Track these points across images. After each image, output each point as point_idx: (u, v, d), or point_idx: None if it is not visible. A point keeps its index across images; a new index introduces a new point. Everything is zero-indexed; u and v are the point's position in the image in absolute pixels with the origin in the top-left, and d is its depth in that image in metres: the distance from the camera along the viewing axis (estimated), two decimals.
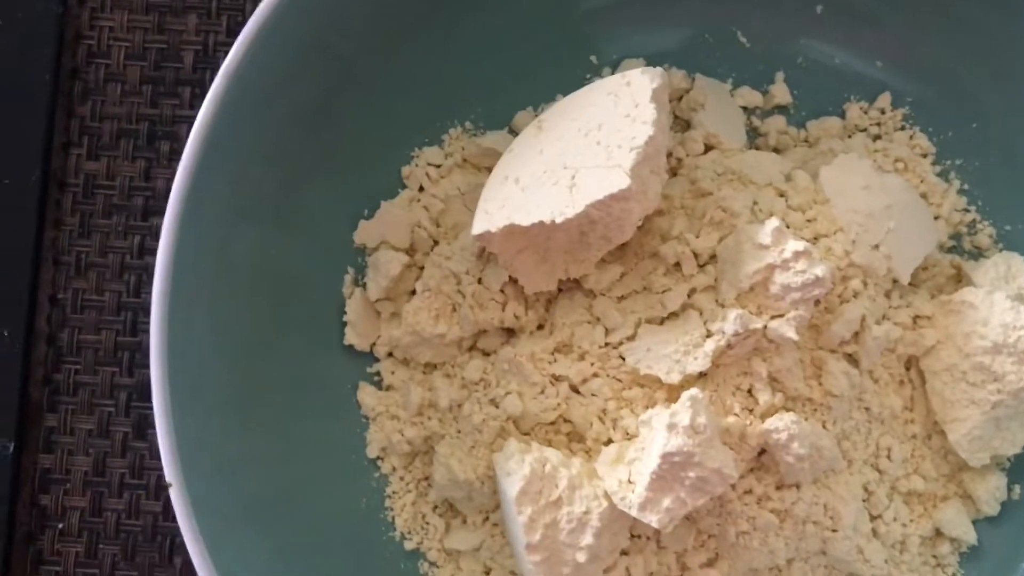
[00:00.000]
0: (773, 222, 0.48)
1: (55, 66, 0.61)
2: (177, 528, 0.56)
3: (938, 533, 0.54)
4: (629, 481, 0.47)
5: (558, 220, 0.46)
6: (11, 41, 0.61)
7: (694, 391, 0.47)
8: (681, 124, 0.57)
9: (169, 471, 0.48)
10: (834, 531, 0.51)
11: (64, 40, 0.62)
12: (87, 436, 0.60)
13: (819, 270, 0.47)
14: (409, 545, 0.54)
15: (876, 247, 0.52)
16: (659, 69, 0.49)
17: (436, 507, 0.55)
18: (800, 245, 0.47)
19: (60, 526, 0.59)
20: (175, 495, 0.48)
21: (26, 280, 0.60)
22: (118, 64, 0.62)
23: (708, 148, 0.56)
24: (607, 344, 0.51)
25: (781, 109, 0.58)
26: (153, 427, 0.48)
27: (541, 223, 0.46)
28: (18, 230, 0.60)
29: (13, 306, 0.59)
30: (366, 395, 0.55)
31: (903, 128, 0.58)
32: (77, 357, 0.60)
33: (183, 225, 0.49)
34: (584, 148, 0.47)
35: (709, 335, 0.48)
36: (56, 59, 0.61)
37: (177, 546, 0.58)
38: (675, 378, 0.48)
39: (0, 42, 0.61)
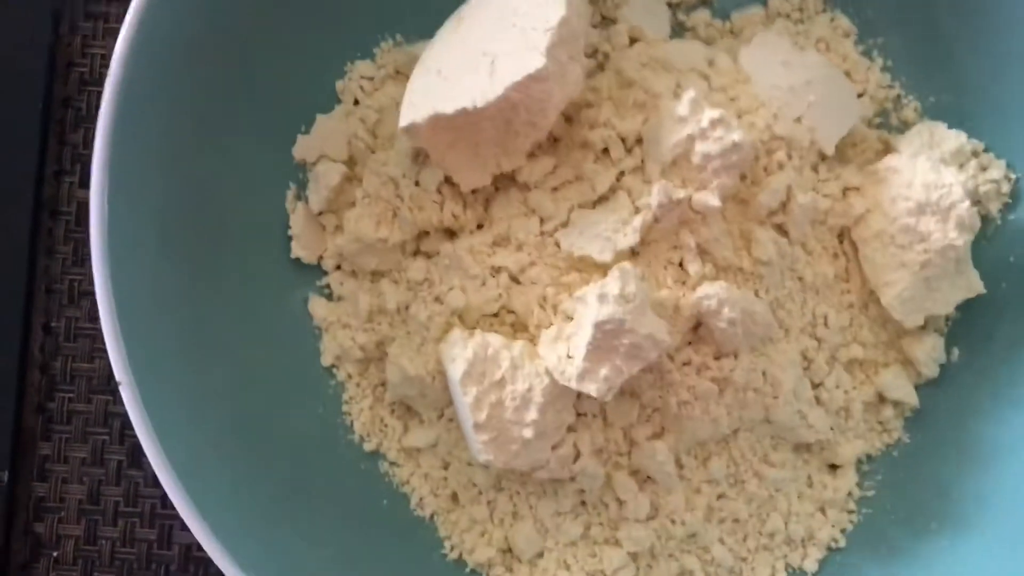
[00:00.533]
0: (690, 93, 0.49)
1: (46, 94, 0.62)
2: (172, 556, 0.58)
3: (881, 398, 0.56)
4: (568, 356, 0.49)
5: (479, 104, 0.47)
6: (3, 69, 0.62)
7: (624, 264, 0.48)
8: (606, 22, 0.58)
9: (126, 389, 0.49)
10: (775, 397, 0.52)
11: (56, 68, 0.62)
12: (81, 464, 0.61)
13: (736, 135, 0.48)
14: (368, 447, 0.56)
15: (799, 120, 0.53)
16: None
17: (393, 409, 0.56)
18: (716, 113, 0.48)
19: (55, 554, 0.60)
20: (136, 420, 0.48)
21: (19, 308, 0.61)
22: None
23: (633, 41, 0.57)
24: (542, 233, 0.52)
25: (705, 3, 0.59)
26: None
27: (464, 110, 0.48)
28: (11, 258, 0.61)
29: (7, 334, 0.60)
30: (317, 306, 0.56)
31: (824, 11, 0.59)
32: (71, 385, 0.61)
33: (115, 149, 0.49)
34: (502, 34, 0.49)
35: (637, 211, 0.50)
36: (48, 87, 0.62)
37: (172, 574, 0.60)
38: (607, 256, 0.50)
39: None
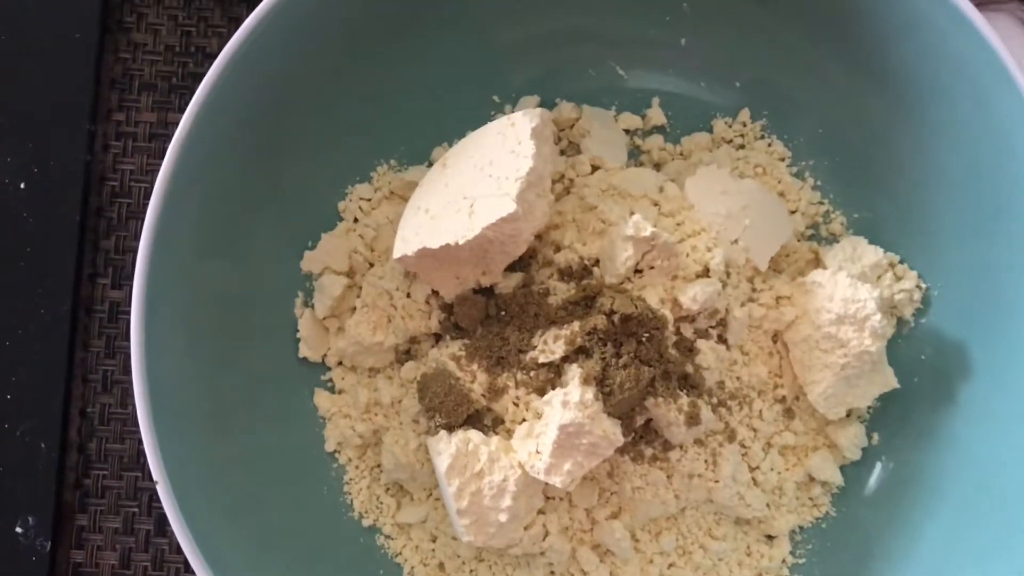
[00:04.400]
0: (634, 217, 0.58)
1: (83, 206, 0.70)
2: None
3: (811, 478, 0.64)
4: (537, 451, 0.57)
5: (460, 242, 0.56)
6: (45, 187, 0.70)
7: (583, 373, 0.56)
8: (573, 148, 0.67)
9: (156, 474, 0.57)
10: (716, 482, 0.61)
11: (91, 182, 0.70)
12: (113, 534, 0.69)
13: (666, 238, 0.57)
14: (366, 522, 0.64)
15: (735, 242, 0.62)
16: (539, 110, 0.59)
17: (388, 489, 0.64)
18: (652, 229, 0.57)
19: None
20: (163, 493, 0.56)
21: (59, 397, 0.69)
22: (138, 203, 0.71)
23: (595, 168, 0.65)
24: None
25: (659, 129, 0.68)
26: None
27: (447, 245, 0.56)
28: (52, 353, 0.69)
29: (49, 420, 0.68)
30: (321, 399, 0.65)
31: (762, 137, 0.67)
32: (104, 464, 0.69)
33: (154, 262, 0.57)
34: (479, 180, 0.57)
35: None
36: (84, 200, 0.70)
37: None
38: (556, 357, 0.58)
39: (36, 188, 0.70)
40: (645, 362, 0.57)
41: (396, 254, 0.59)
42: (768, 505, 0.63)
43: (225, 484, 0.60)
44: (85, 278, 0.71)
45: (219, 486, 0.59)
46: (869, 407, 0.65)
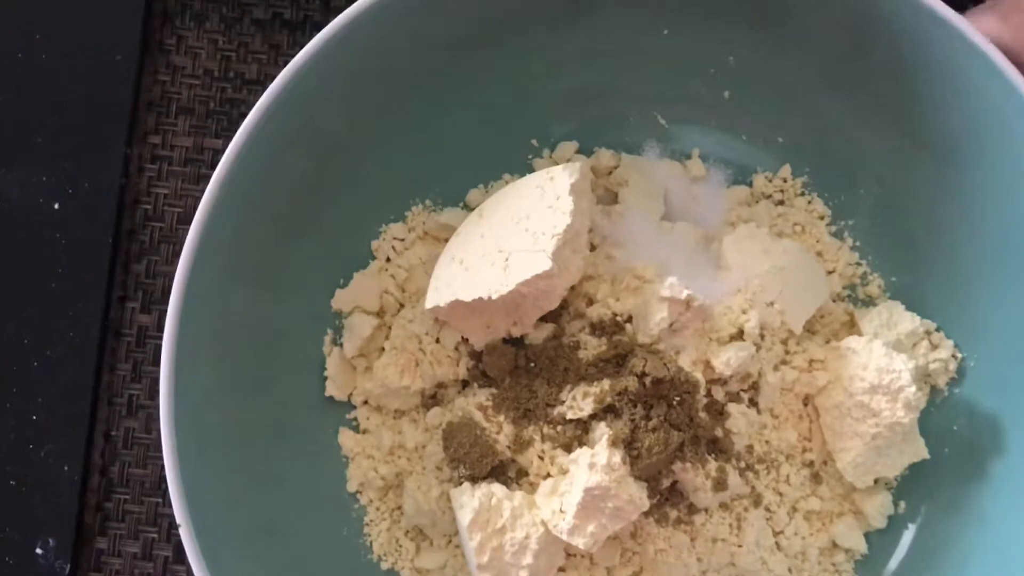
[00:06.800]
0: (670, 279, 0.57)
1: (116, 228, 0.70)
2: None
3: (835, 544, 0.63)
4: (561, 511, 0.56)
5: (494, 297, 0.55)
6: (78, 208, 0.69)
7: (611, 434, 0.56)
8: (609, 195, 0.66)
9: (178, 512, 0.57)
10: (739, 546, 0.60)
11: (124, 205, 0.70)
12: (132, 559, 0.68)
13: (700, 301, 0.57)
14: (385, 566, 0.64)
15: (771, 304, 0.61)
16: (578, 164, 0.58)
17: (408, 532, 0.64)
18: (687, 291, 0.56)
19: None
20: (184, 532, 0.57)
21: (85, 419, 0.68)
22: (170, 227, 0.70)
23: None
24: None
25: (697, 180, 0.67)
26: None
27: (480, 299, 0.56)
28: (79, 375, 0.68)
29: (73, 442, 0.68)
30: (346, 438, 0.64)
31: (802, 194, 0.67)
32: (126, 488, 0.69)
33: (188, 290, 0.56)
34: (515, 234, 0.57)
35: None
36: (116, 222, 0.70)
37: None
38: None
39: (69, 209, 0.69)
40: (675, 426, 0.56)
41: (428, 304, 0.58)
42: (790, 570, 0.62)
43: (244, 517, 0.59)
44: (115, 301, 0.71)
45: (239, 519, 0.59)
46: (897, 476, 0.64)
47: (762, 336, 0.61)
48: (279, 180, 0.60)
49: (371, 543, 0.64)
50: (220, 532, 0.58)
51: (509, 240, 0.57)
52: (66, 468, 0.68)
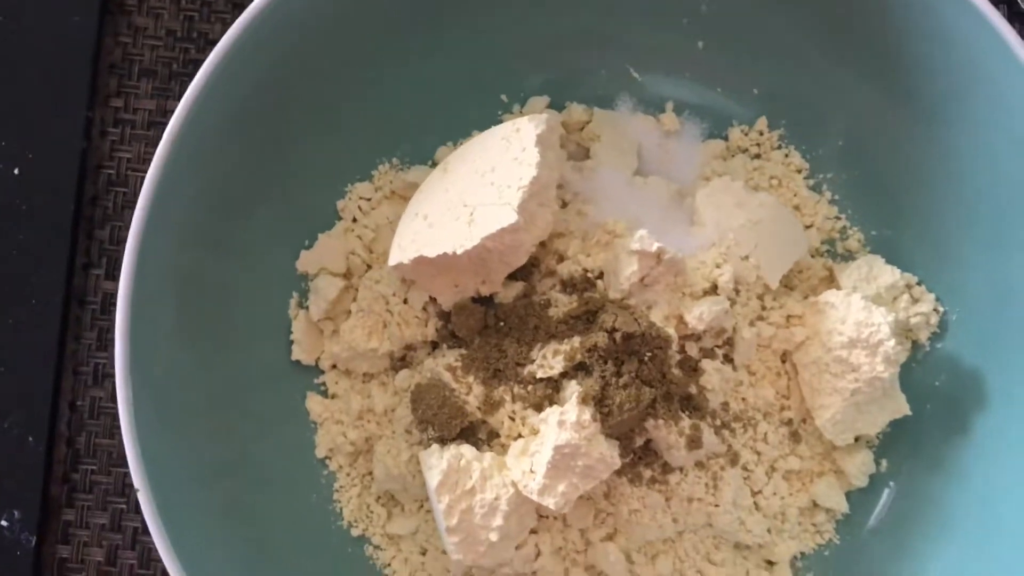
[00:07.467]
0: (641, 232, 0.55)
1: (78, 194, 0.68)
2: None
3: (815, 504, 0.62)
4: (531, 471, 0.55)
5: (458, 252, 0.54)
6: (40, 173, 0.68)
7: (581, 392, 0.54)
8: (581, 151, 0.65)
9: (136, 477, 0.55)
10: (716, 506, 0.59)
11: (87, 170, 0.68)
12: (100, 530, 0.67)
13: (672, 254, 0.55)
14: (355, 532, 0.62)
15: (746, 258, 0.60)
16: (545, 115, 0.57)
17: (379, 498, 0.63)
18: (656, 244, 0.55)
19: None
20: (142, 497, 0.55)
21: (49, 389, 0.66)
22: (134, 192, 0.68)
23: None
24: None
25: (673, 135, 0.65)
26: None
27: (445, 254, 0.54)
28: (43, 344, 0.67)
29: (37, 412, 0.66)
30: (313, 403, 0.63)
31: (779, 147, 0.65)
32: (93, 459, 0.67)
33: (143, 254, 0.55)
34: (480, 188, 0.55)
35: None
36: (79, 188, 0.68)
37: None
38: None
39: (30, 175, 0.67)
40: (646, 382, 0.55)
41: (392, 261, 0.57)
42: (769, 531, 0.61)
43: (209, 487, 0.58)
44: (78, 268, 0.69)
45: (203, 489, 0.58)
46: (878, 433, 0.62)
47: (737, 291, 0.59)
48: (236, 138, 0.58)
49: (341, 509, 0.63)
50: (182, 500, 0.56)
51: (474, 194, 0.55)
52: (30, 439, 0.67)
